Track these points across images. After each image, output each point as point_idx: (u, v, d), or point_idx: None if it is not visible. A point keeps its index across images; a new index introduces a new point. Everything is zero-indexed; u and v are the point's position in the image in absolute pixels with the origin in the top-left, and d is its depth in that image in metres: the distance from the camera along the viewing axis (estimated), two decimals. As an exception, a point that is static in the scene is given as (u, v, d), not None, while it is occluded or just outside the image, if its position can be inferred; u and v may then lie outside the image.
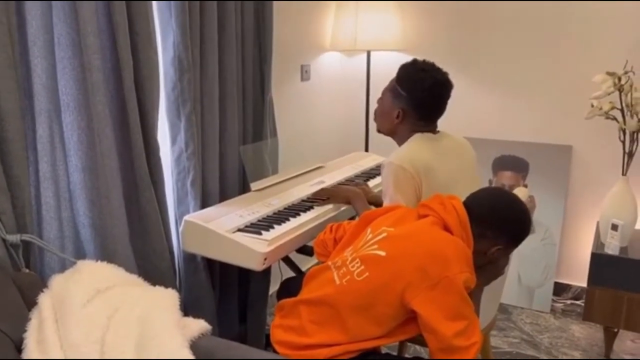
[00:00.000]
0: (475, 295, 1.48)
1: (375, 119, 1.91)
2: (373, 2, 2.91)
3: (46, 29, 1.46)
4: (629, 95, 2.29)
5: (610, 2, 2.61)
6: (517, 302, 2.90)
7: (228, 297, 2.24)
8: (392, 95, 1.82)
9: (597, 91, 2.34)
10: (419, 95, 1.76)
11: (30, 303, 1.37)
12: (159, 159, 1.80)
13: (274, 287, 2.50)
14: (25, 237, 1.46)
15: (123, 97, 1.66)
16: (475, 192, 1.53)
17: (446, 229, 1.44)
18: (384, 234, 1.47)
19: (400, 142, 1.84)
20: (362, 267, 1.43)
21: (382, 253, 1.42)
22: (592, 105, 2.38)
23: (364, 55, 3.18)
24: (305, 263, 2.98)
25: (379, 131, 1.91)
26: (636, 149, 2.38)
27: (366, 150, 3.23)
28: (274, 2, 2.30)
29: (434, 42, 3.07)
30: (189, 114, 1.90)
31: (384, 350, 1.67)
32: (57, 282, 1.40)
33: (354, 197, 1.99)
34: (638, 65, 2.42)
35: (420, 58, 1.83)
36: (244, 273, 2.30)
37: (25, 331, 1.29)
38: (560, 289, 2.94)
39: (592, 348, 2.52)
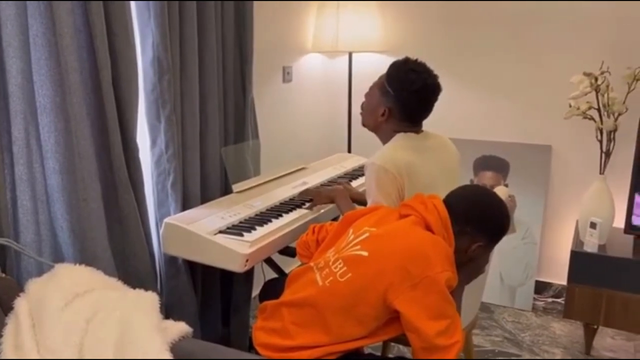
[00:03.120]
0: (456, 293, 1.48)
1: (361, 114, 1.91)
2: (354, 4, 2.92)
3: (21, 30, 1.44)
4: (606, 95, 2.33)
5: (587, 3, 2.65)
6: (499, 301, 2.92)
7: (210, 300, 2.22)
8: (380, 92, 1.81)
9: (575, 91, 2.38)
10: (406, 96, 1.76)
11: (7, 308, 1.35)
12: (138, 160, 1.78)
13: (256, 290, 2.48)
14: (1, 240, 1.43)
15: (101, 98, 1.64)
16: (454, 190, 1.54)
17: (427, 228, 1.45)
18: (366, 234, 1.47)
19: (383, 139, 1.84)
20: (345, 267, 1.43)
21: (365, 253, 1.42)
22: (570, 106, 2.42)
23: (346, 57, 3.19)
24: (288, 265, 2.97)
25: (364, 125, 1.91)
26: (613, 148, 2.42)
27: (349, 151, 3.24)
28: (255, 3, 2.30)
29: (415, 44, 3.09)
30: (168, 115, 1.88)
31: (367, 351, 1.67)
32: (34, 286, 1.38)
33: (338, 196, 1.98)
34: (614, 65, 2.46)
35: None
36: (226, 276, 2.28)
37: (1, 336, 1.27)
38: (541, 288, 2.98)
39: (572, 345, 2.56)
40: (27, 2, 1.44)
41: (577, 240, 2.48)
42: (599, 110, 2.37)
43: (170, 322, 1.40)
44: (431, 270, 1.35)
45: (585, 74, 2.33)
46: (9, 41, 1.42)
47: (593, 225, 2.36)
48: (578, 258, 2.38)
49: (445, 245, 1.41)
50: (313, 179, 2.39)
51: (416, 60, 1.80)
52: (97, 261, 1.62)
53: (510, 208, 1.60)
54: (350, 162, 2.72)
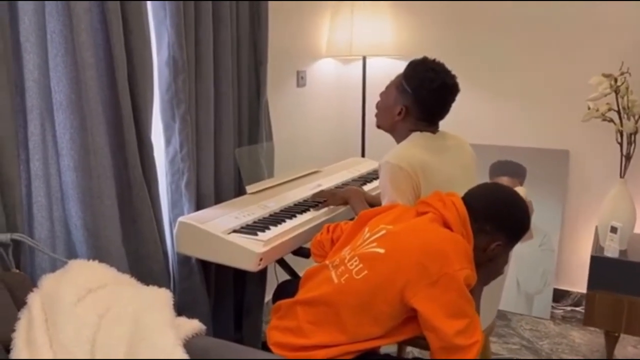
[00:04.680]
0: (475, 294, 1.45)
1: (376, 114, 1.89)
2: (368, 7, 2.91)
3: (39, 25, 1.45)
4: (626, 97, 2.29)
5: (605, 4, 2.62)
6: (516, 309, 2.86)
7: (223, 303, 2.20)
8: (397, 90, 1.79)
9: (593, 93, 2.34)
10: (424, 95, 1.74)
11: (20, 303, 1.33)
12: (152, 158, 1.77)
13: (269, 295, 2.46)
14: (16, 236, 1.42)
15: (116, 95, 1.64)
16: (473, 188, 1.51)
17: (446, 225, 1.42)
18: (383, 232, 1.45)
19: (398, 139, 1.82)
20: (361, 265, 1.40)
21: (381, 250, 1.40)
22: (589, 108, 2.38)
23: (359, 63, 3.18)
24: (301, 268, 2.94)
25: (378, 126, 1.89)
26: (634, 151, 2.37)
27: (362, 156, 3.22)
28: (270, 6, 2.29)
29: (430, 48, 3.07)
30: (183, 114, 1.87)
31: (382, 352, 1.63)
32: (47, 281, 1.37)
33: (352, 196, 1.96)
34: (634, 66, 2.42)
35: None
36: (239, 278, 2.26)
37: (14, 331, 1.25)
38: (559, 296, 2.91)
39: (593, 354, 2.49)
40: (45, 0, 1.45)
41: (597, 246, 2.43)
42: (618, 112, 2.33)
43: (183, 319, 1.38)
44: (450, 267, 1.31)
45: (604, 75, 2.29)
46: (27, 36, 1.42)
47: (614, 229, 2.31)
48: (598, 263, 2.32)
49: (464, 242, 1.38)
50: (327, 181, 2.37)
51: (434, 59, 1.78)
52: (111, 260, 1.61)
53: (528, 213, 1.56)
54: (364, 166, 2.70)
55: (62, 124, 1.53)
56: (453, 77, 1.77)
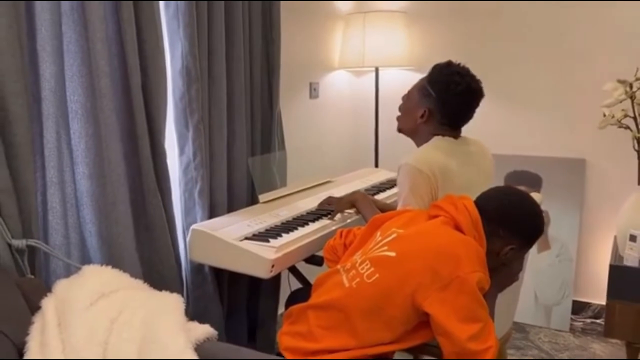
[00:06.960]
0: (489, 301, 1.42)
1: (398, 117, 1.87)
2: (380, 17, 2.92)
3: (55, 35, 1.48)
4: (642, 103, 2.26)
5: (619, 9, 2.60)
6: (534, 321, 2.80)
7: (236, 312, 2.19)
8: (420, 93, 1.78)
9: (608, 99, 2.31)
10: (448, 99, 1.73)
11: (34, 308, 1.35)
12: (166, 165, 1.79)
13: (282, 308, 2.44)
14: (31, 242, 1.44)
15: (130, 102, 1.67)
16: (486, 191, 1.50)
17: (457, 228, 1.40)
18: (394, 235, 1.44)
19: (419, 143, 1.80)
20: (372, 269, 1.40)
21: (392, 254, 1.39)
22: (605, 115, 2.35)
23: (372, 75, 3.19)
24: (315, 277, 2.92)
25: (399, 130, 1.88)
26: (651, 158, 2.33)
27: (376, 167, 3.21)
28: (282, 19, 2.32)
29: (442, 58, 3.01)
30: (197, 123, 1.90)
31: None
32: (61, 286, 1.38)
33: (360, 200, 1.94)
34: (649, 73, 2.39)
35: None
36: (253, 289, 2.25)
37: (28, 334, 1.27)
38: (578, 308, 2.85)
39: (614, 366, 2.43)
40: (62, 1, 1.48)
41: (616, 255, 2.38)
42: (635, 119, 2.29)
43: (195, 324, 1.38)
44: (461, 270, 1.30)
45: (619, 81, 2.26)
46: (43, 45, 1.46)
47: (633, 238, 2.26)
48: (618, 273, 2.27)
49: (476, 245, 1.36)
50: (339, 191, 2.37)
51: (459, 64, 1.78)
52: (124, 266, 1.61)
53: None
54: (377, 176, 2.69)
55: (78, 132, 1.56)
56: (478, 82, 1.76)
